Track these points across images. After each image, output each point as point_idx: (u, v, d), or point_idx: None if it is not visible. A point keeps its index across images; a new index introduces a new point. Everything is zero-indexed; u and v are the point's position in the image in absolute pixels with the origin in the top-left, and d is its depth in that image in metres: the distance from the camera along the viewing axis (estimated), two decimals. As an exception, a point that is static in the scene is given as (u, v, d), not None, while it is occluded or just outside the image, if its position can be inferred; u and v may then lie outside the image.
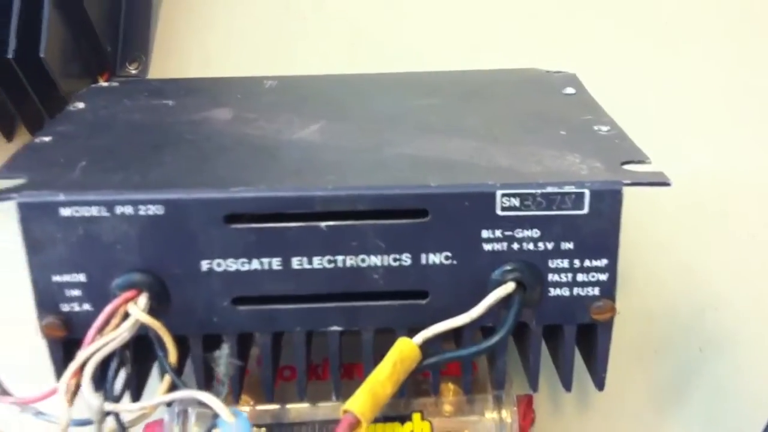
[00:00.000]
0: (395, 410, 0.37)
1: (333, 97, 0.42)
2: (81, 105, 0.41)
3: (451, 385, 0.38)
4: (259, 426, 0.37)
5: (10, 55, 0.44)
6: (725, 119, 0.50)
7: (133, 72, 0.54)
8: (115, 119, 0.39)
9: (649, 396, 0.43)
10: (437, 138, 0.35)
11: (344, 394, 0.31)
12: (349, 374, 0.38)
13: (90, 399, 0.29)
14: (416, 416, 0.37)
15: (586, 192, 0.30)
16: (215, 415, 0.28)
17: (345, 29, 0.54)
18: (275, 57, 0.54)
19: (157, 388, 0.31)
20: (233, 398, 0.34)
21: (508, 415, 0.37)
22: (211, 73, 0.52)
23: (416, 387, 0.37)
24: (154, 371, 0.35)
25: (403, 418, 0.37)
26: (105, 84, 0.45)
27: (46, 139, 0.36)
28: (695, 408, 0.42)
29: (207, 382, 0.32)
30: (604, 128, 0.36)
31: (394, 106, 0.40)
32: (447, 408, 0.38)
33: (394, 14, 0.54)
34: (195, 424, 0.37)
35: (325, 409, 0.37)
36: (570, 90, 0.41)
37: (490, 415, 0.38)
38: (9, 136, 0.50)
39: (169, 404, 0.35)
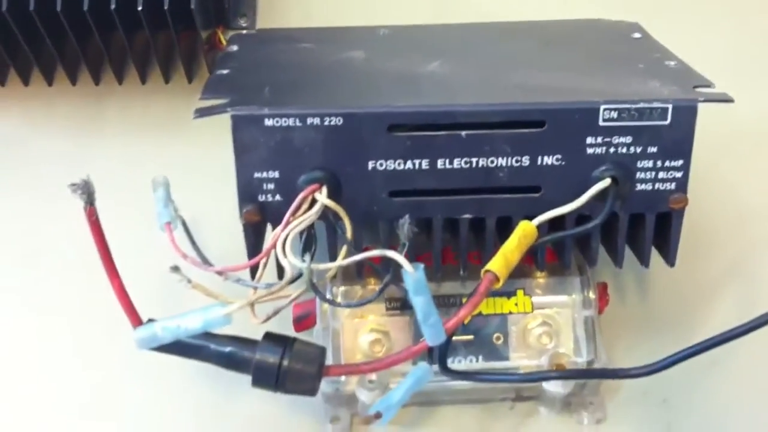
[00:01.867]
0: (503, 288, 0.46)
1: (440, 41, 0.51)
2: (235, 47, 0.50)
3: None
4: (396, 299, 0.46)
5: (166, 7, 0.52)
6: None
7: (243, 25, 0.62)
8: (271, 58, 0.48)
9: (695, 288, 0.52)
10: (542, 71, 0.44)
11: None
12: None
13: (294, 261, 0.38)
14: (519, 292, 0.47)
15: (670, 107, 0.40)
16: (394, 271, 0.37)
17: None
18: (369, 15, 0.62)
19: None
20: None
21: (592, 294, 0.47)
22: (311, 25, 0.60)
23: (518, 270, 0.46)
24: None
25: (509, 294, 0.46)
26: (244, 32, 0.54)
27: (225, 71, 0.45)
28: (733, 292, 0.52)
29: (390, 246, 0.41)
30: (672, 63, 0.45)
31: (495, 48, 0.49)
32: (542, 288, 0.47)
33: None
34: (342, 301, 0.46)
35: (446, 288, 0.46)
36: (637, 35, 0.50)
37: (578, 294, 0.47)
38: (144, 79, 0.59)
39: (357, 266, 0.44)
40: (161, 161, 0.56)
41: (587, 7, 0.60)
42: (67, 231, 0.53)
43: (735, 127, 0.53)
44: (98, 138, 0.57)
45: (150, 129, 0.58)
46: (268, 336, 0.39)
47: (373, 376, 0.45)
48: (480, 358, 0.46)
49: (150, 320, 0.39)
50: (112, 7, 0.52)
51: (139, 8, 0.52)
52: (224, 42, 0.59)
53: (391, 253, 0.37)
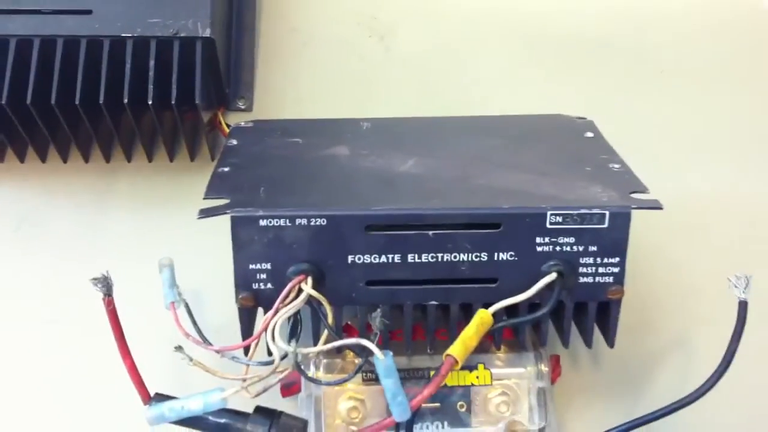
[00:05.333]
0: (465, 362, 0.52)
1: (417, 137, 0.57)
2: (234, 141, 0.56)
3: (503, 346, 0.53)
4: (371, 371, 0.52)
5: (173, 101, 0.59)
6: (704, 154, 0.66)
7: (242, 106, 0.69)
8: (266, 154, 0.54)
9: (641, 361, 0.58)
10: (502, 172, 0.51)
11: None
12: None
13: (281, 345, 0.44)
14: (480, 366, 0.53)
15: (607, 213, 0.46)
16: (366, 356, 0.43)
17: (411, 78, 0.69)
18: (355, 98, 0.69)
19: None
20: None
21: (545, 367, 0.53)
22: (303, 109, 0.67)
23: (480, 346, 0.52)
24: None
25: (471, 368, 0.53)
26: (243, 124, 0.60)
27: (226, 169, 0.51)
28: (673, 363, 0.59)
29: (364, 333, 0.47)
30: (616, 166, 0.52)
31: (465, 145, 0.55)
32: (501, 362, 0.53)
33: (451, 66, 0.69)
34: (324, 372, 0.52)
35: (416, 361, 0.52)
36: (590, 134, 0.57)
37: (532, 367, 0.53)
38: (151, 157, 0.65)
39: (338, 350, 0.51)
40: (165, 235, 0.62)
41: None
42: (80, 302, 0.59)
43: (679, 208, 0.59)
44: (109, 212, 0.64)
45: (156, 204, 0.64)
46: (258, 410, 0.45)
47: (348, 445, 0.51)
48: (445, 423, 0.52)
49: (157, 394, 0.45)
50: (125, 101, 0.58)
51: (150, 102, 0.58)
52: (223, 123, 0.65)
53: (365, 342, 0.43)
